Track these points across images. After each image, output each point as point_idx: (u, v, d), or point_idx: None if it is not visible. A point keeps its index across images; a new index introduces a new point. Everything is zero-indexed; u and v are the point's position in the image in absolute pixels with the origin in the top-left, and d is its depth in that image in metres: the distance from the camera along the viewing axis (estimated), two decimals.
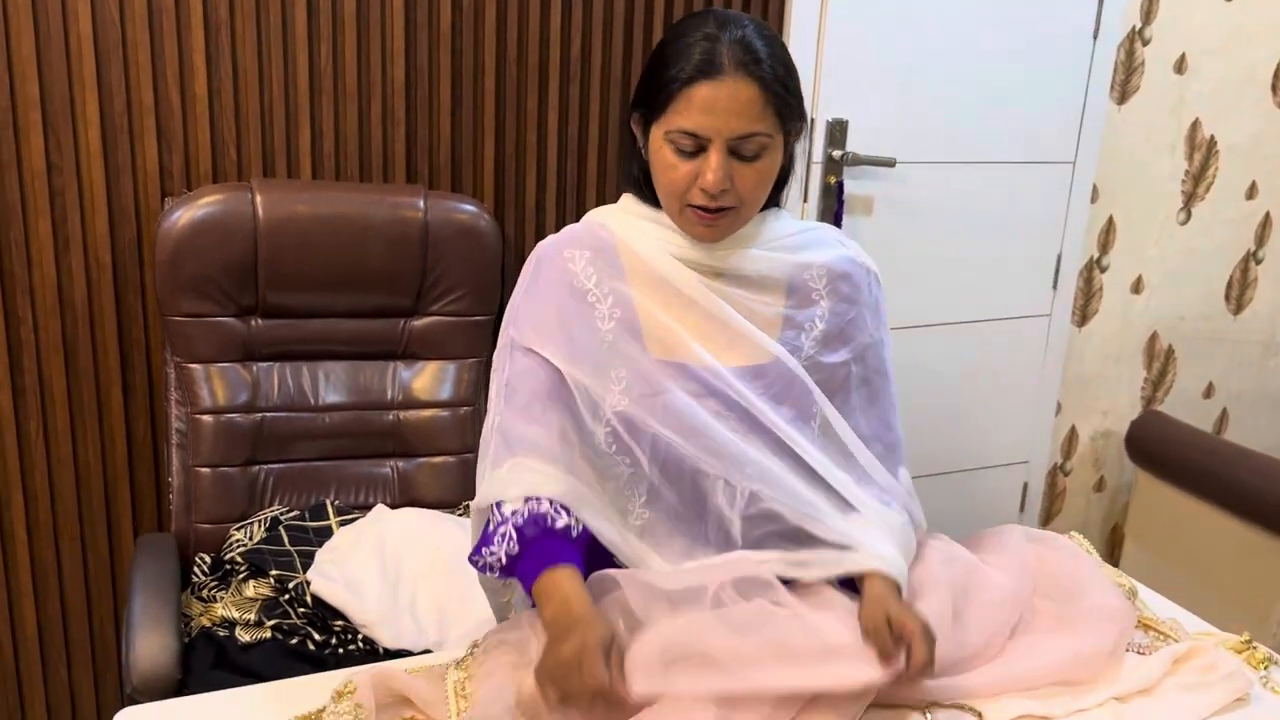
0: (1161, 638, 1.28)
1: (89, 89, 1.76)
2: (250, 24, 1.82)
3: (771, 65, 1.17)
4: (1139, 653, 1.23)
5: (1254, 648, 1.28)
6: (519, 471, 1.17)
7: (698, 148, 1.17)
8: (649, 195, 1.27)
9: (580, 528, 1.16)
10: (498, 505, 1.17)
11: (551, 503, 1.15)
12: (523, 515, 1.15)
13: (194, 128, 1.84)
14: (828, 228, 1.36)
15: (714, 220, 1.20)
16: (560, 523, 1.14)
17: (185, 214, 1.73)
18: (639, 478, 1.21)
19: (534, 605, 1.13)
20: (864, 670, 1.08)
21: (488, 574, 1.18)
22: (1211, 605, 2.16)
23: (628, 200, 1.30)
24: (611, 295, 1.23)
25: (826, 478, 1.24)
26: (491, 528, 1.17)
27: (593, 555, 1.18)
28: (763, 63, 1.16)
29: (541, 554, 1.13)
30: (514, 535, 1.14)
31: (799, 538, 1.21)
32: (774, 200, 1.29)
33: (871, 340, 1.31)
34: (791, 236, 1.29)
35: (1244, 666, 1.22)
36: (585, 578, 1.13)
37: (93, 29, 1.73)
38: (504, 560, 1.15)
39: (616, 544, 1.19)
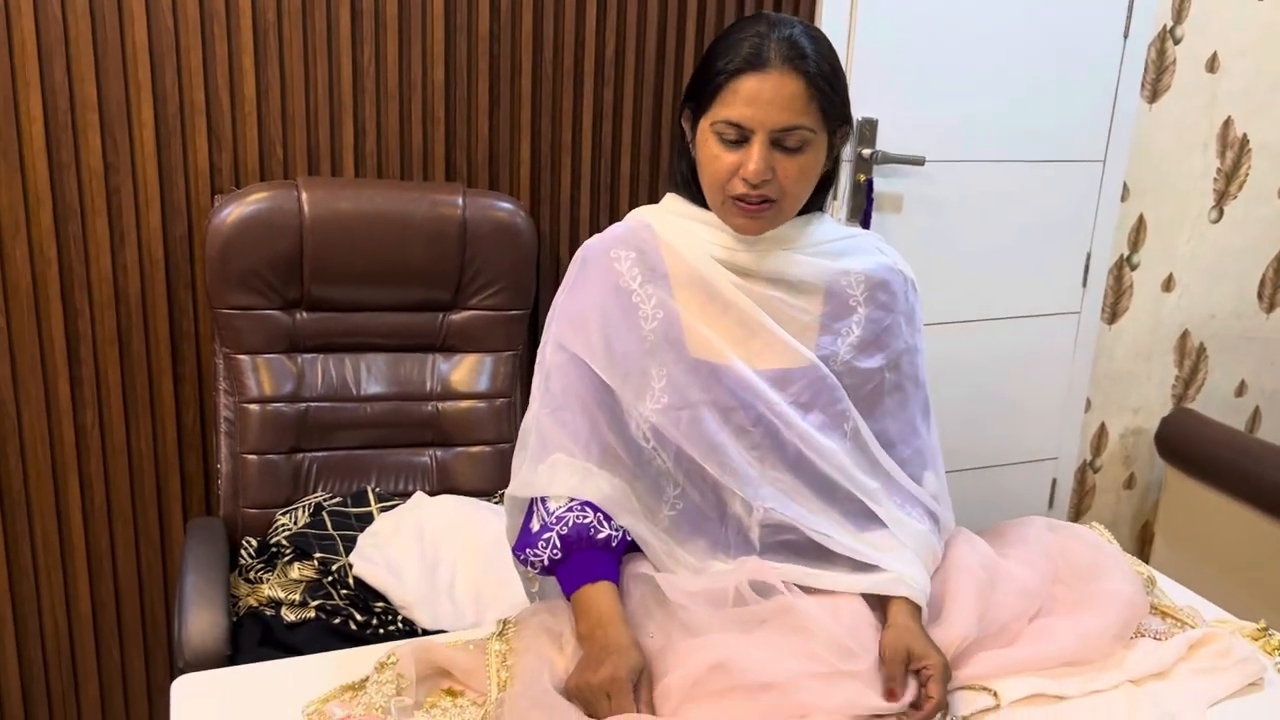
0: (1179, 624, 1.31)
1: (144, 91, 1.83)
2: (297, 28, 1.89)
3: (818, 63, 1.20)
4: (1155, 638, 1.27)
5: (1269, 634, 1.30)
6: (559, 470, 1.22)
7: (741, 138, 1.20)
8: (695, 196, 1.30)
9: (621, 535, 1.22)
10: (542, 502, 1.23)
11: (596, 511, 1.21)
12: (568, 525, 1.20)
13: (243, 128, 1.91)
14: (868, 235, 1.38)
15: (756, 211, 1.23)
16: (602, 534, 1.20)
17: (234, 211, 1.80)
18: (668, 475, 1.27)
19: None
20: (873, 699, 1.11)
21: (527, 569, 1.24)
22: (1242, 602, 2.16)
23: (672, 200, 1.33)
24: (654, 296, 1.26)
25: (850, 487, 1.27)
26: (537, 527, 1.22)
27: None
28: (809, 59, 1.19)
29: (582, 566, 1.19)
30: (558, 543, 1.19)
31: (816, 550, 1.26)
32: (817, 204, 1.32)
33: (906, 347, 1.34)
34: (833, 242, 1.32)
35: (1258, 652, 1.25)
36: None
37: (148, 35, 1.81)
38: (546, 563, 1.21)
39: (648, 541, 1.25)
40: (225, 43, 1.86)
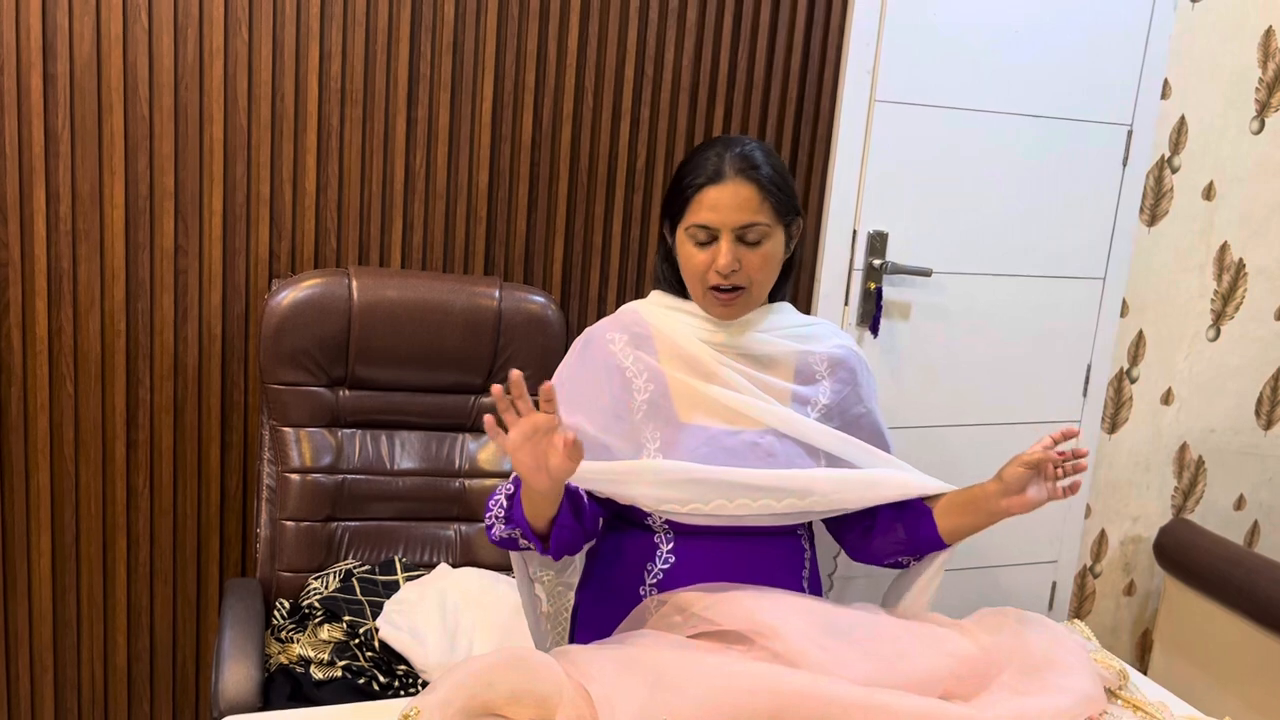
0: (1148, 717, 1.39)
1: (216, 182, 2.01)
2: (358, 132, 2.07)
3: (767, 170, 1.46)
4: None
5: None
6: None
7: (711, 238, 1.45)
8: (676, 291, 1.55)
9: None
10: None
11: None
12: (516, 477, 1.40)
13: (301, 219, 2.08)
14: (825, 323, 1.64)
15: (730, 299, 1.48)
16: None
17: (289, 294, 1.96)
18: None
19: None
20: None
21: (493, 536, 1.43)
22: (1239, 714, 2.20)
23: (656, 295, 1.58)
24: (646, 372, 1.50)
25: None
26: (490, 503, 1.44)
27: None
28: (759, 167, 1.45)
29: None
30: (511, 485, 1.41)
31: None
32: (781, 292, 1.57)
33: (864, 411, 1.59)
34: (796, 328, 1.58)
35: None
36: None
37: (224, 133, 1.99)
38: (505, 502, 1.42)
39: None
40: (292, 142, 2.04)
